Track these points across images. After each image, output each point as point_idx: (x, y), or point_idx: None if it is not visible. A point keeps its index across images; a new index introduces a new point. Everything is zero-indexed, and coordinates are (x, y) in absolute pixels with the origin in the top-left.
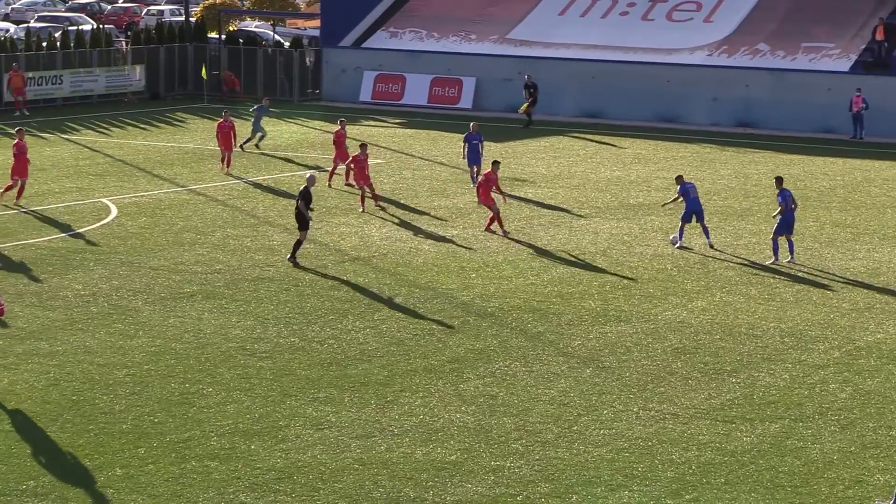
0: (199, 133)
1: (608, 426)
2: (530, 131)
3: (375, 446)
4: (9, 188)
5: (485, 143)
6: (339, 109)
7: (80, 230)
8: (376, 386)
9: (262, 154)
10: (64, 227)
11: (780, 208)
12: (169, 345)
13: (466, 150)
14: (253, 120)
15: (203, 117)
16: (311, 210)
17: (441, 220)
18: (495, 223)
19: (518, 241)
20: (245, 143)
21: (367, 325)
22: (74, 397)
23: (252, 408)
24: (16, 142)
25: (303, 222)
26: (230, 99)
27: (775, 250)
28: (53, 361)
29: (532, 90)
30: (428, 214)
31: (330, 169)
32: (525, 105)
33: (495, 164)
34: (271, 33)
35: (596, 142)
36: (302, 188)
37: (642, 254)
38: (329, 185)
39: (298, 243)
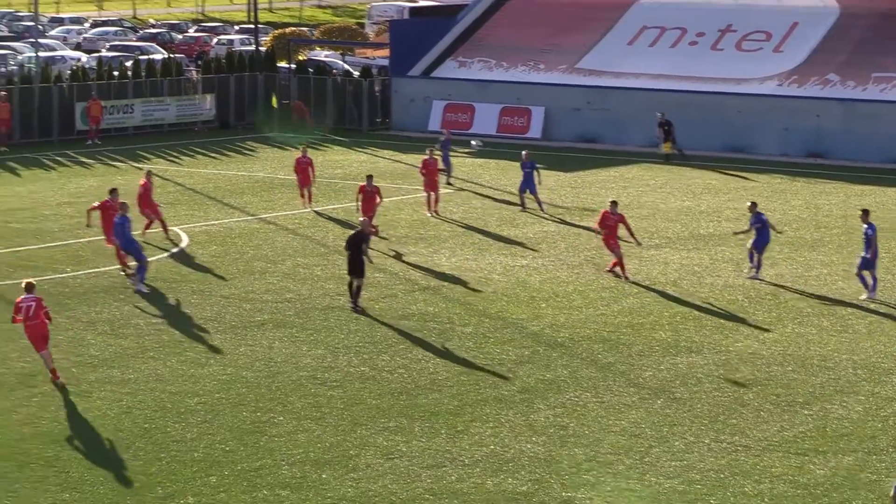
0: (268, 162)
1: (680, 458)
2: (599, 161)
3: (446, 476)
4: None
5: (555, 173)
6: (407, 139)
7: (152, 258)
8: (447, 415)
9: (331, 182)
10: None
11: (867, 243)
12: (240, 373)
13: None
14: (443, 155)
15: (273, 146)
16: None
17: (510, 249)
18: (618, 267)
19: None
20: (449, 178)
21: (437, 355)
22: (146, 425)
23: (323, 437)
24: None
25: (360, 269)
26: (299, 128)
27: (866, 286)
28: (126, 389)
29: (667, 127)
30: (497, 244)
31: (426, 200)
32: (667, 145)
33: (614, 204)
34: (341, 62)
35: (665, 171)
36: (355, 234)
37: (713, 284)
38: (431, 214)
39: (358, 289)
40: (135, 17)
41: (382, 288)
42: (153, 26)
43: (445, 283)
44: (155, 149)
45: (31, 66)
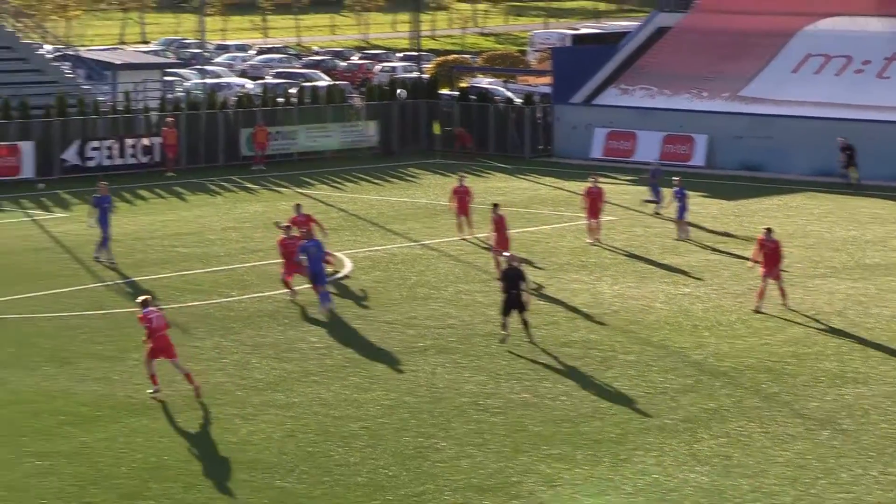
0: (431, 189)
1: (847, 490)
2: (762, 189)
3: None
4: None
5: (718, 201)
6: (569, 166)
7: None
8: (609, 444)
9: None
10: (300, 280)
11: None
12: (403, 398)
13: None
14: (651, 183)
15: (436, 173)
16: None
17: (673, 277)
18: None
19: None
20: (658, 208)
21: (599, 383)
22: (310, 449)
23: (485, 463)
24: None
25: (520, 304)
26: (462, 155)
27: None
28: (290, 413)
29: (849, 152)
30: (660, 271)
31: (586, 226)
32: (852, 168)
33: (769, 231)
34: (503, 90)
35: (830, 200)
36: (510, 270)
37: (879, 315)
38: (592, 242)
39: (525, 323)
40: (299, 45)
41: (544, 315)
42: (317, 53)
43: (608, 311)
44: (318, 175)
45: (198, 92)
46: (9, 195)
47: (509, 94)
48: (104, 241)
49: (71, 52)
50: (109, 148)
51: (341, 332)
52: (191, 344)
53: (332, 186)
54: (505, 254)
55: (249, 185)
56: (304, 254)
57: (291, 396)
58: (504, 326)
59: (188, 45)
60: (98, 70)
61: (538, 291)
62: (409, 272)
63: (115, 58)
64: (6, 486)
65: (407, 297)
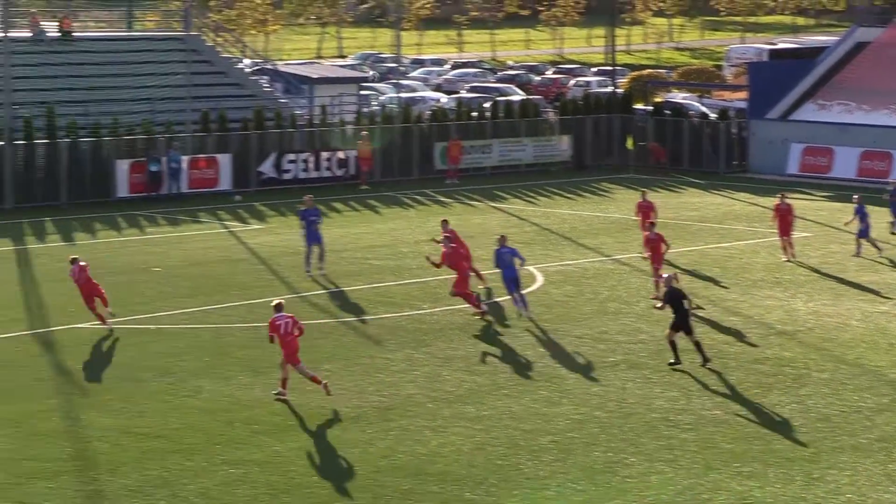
0: (624, 203)
1: None
2: None
3: None
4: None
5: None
6: (764, 182)
7: (500, 299)
8: (802, 462)
9: (686, 224)
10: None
11: None
12: (592, 413)
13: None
14: (892, 201)
15: (629, 188)
16: (696, 307)
17: (870, 295)
18: None
19: None
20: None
21: (792, 400)
22: (499, 462)
23: (675, 479)
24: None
25: (687, 325)
26: (655, 170)
27: None
28: (479, 426)
29: None
30: (856, 289)
31: (780, 244)
32: None
33: None
34: (697, 104)
35: None
36: (671, 291)
37: None
38: (787, 259)
39: (696, 345)
40: (494, 59)
41: (736, 333)
42: (511, 68)
43: (801, 329)
44: (511, 189)
45: (393, 106)
46: (207, 207)
47: (704, 108)
48: (308, 254)
49: (269, 67)
50: (305, 161)
51: (532, 345)
52: (382, 356)
53: (524, 200)
54: (663, 275)
55: (442, 199)
56: (499, 260)
57: (482, 409)
58: (673, 347)
59: (384, 60)
60: (295, 84)
61: (698, 311)
62: (600, 287)
63: (313, 72)
64: (201, 494)
65: (598, 312)
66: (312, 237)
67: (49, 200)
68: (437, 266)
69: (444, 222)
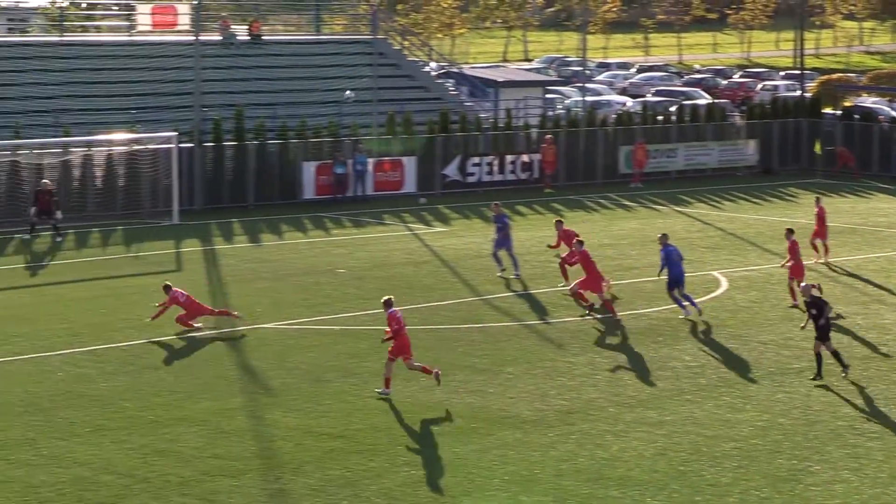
0: (811, 208)
1: None
2: None
3: None
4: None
5: None
6: None
7: (698, 299)
8: None
9: (875, 230)
10: (667, 299)
11: None
12: (776, 420)
13: None
14: None
15: (816, 192)
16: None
17: None
18: None
19: None
20: None
21: None
22: (681, 468)
23: (861, 488)
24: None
25: (825, 334)
26: (844, 175)
27: None
28: (661, 431)
29: None
30: None
31: None
32: None
33: None
34: (888, 109)
35: None
36: (812, 301)
37: None
38: None
39: (835, 354)
40: (680, 63)
41: None
42: (698, 72)
43: None
44: (696, 193)
45: (578, 110)
46: (391, 209)
47: (894, 113)
48: (495, 256)
49: (455, 70)
50: (489, 164)
51: (715, 350)
52: (564, 359)
53: (709, 205)
54: (802, 284)
55: (627, 203)
56: (668, 258)
57: (664, 414)
58: (818, 359)
59: (570, 64)
60: (480, 87)
61: (839, 320)
62: (785, 292)
63: (498, 75)
64: (383, 494)
65: (783, 318)
66: (500, 243)
67: (236, 202)
68: (571, 265)
69: (559, 223)
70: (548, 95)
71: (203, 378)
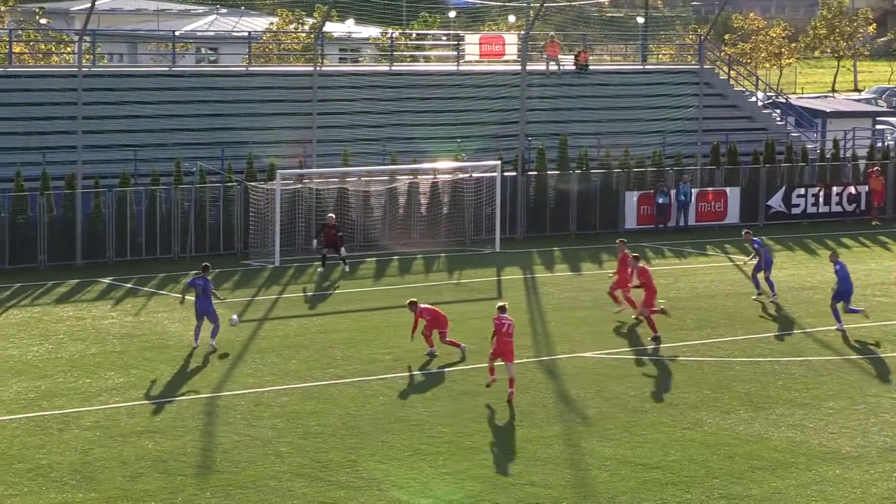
0: None
1: None
2: None
3: None
4: None
5: None
6: None
7: None
8: None
9: None
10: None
11: None
12: None
13: None
14: None
15: None
16: None
17: None
18: None
19: None
20: None
21: None
22: None
23: None
24: None
25: None
26: None
27: None
28: None
29: None
30: None
31: None
32: None
33: None
34: None
35: None
36: None
37: None
38: None
39: None
40: None
41: None
42: None
43: None
44: None
45: None
46: (714, 240)
47: None
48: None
49: (781, 100)
50: (815, 195)
51: None
52: (889, 395)
53: None
54: None
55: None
56: (843, 274)
57: None
58: None
59: None
60: (807, 117)
61: None
62: None
63: (826, 105)
64: None
65: None
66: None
67: (558, 231)
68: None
69: (622, 242)
70: (878, 126)
71: (520, 405)
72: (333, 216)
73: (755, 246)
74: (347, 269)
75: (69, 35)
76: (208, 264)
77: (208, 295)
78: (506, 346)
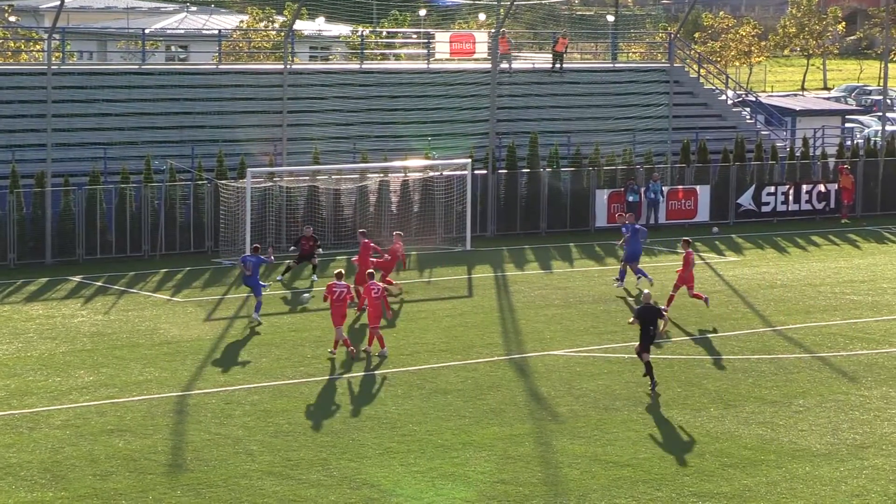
0: None
1: None
2: None
3: None
4: None
5: None
6: None
7: None
8: None
9: None
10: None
11: None
12: None
13: None
14: None
15: None
16: None
17: None
18: None
19: None
20: None
21: None
22: None
23: None
24: None
25: None
26: None
27: None
28: None
29: None
30: None
31: None
32: None
33: None
34: None
35: None
36: None
37: None
38: None
39: None
40: None
41: None
42: None
43: None
44: None
45: (877, 139)
46: (684, 238)
47: None
48: None
49: (751, 98)
50: (785, 193)
51: None
52: (858, 393)
53: None
54: None
55: None
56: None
57: None
58: None
59: (869, 92)
60: (777, 116)
61: None
62: None
63: (795, 104)
64: None
65: None
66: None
67: (529, 229)
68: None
69: (687, 242)
70: (847, 125)
71: (491, 403)
72: (311, 228)
73: (623, 230)
74: (317, 278)
75: (38, 32)
76: (259, 245)
77: (255, 272)
78: (338, 311)
